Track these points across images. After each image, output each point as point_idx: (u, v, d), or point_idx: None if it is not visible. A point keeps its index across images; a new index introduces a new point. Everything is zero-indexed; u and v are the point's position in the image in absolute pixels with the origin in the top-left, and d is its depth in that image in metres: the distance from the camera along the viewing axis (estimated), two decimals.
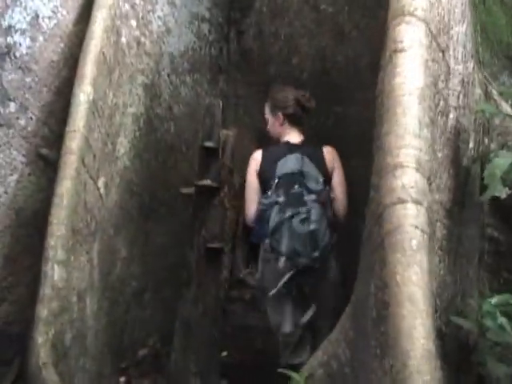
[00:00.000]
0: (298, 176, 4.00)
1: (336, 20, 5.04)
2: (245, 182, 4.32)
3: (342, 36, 5.02)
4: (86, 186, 4.04)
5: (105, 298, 4.43)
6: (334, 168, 4.21)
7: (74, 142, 3.93)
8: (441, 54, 3.08)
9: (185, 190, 4.56)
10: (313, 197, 3.95)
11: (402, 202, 2.46)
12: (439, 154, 3.04)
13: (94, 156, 4.14)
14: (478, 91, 3.89)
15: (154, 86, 5.00)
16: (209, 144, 4.31)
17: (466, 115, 3.64)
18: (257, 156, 4.21)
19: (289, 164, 4.04)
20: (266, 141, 4.55)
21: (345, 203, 4.16)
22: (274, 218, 3.86)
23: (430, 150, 2.74)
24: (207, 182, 4.30)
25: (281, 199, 3.92)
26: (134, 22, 4.76)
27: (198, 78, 5.40)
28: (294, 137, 4.29)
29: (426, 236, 2.43)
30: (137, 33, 4.80)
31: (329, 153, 4.25)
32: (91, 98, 4.09)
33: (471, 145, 3.72)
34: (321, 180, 4.07)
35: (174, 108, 5.20)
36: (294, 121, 4.31)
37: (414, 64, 2.80)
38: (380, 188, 2.59)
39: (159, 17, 5.06)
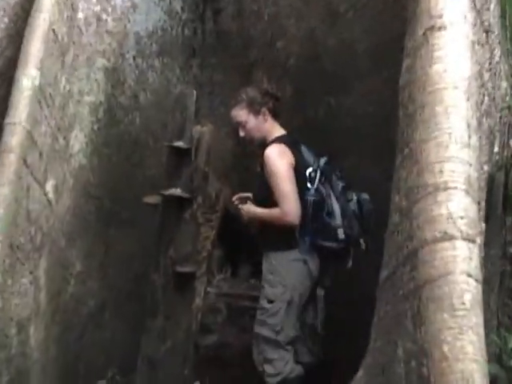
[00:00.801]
0: (329, 164, 3.95)
1: None
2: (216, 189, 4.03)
3: (336, 17, 4.55)
4: (29, 192, 3.53)
5: (54, 323, 3.95)
6: None
7: (13, 138, 3.43)
8: (485, 36, 2.40)
9: (149, 200, 3.89)
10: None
11: (450, 238, 1.78)
12: (485, 168, 2.37)
13: (41, 154, 3.66)
14: (504, 84, 3.30)
15: (116, 70, 4.58)
16: (179, 144, 3.68)
17: (492, 113, 3.02)
18: (285, 149, 3.90)
19: (310, 154, 3.94)
20: None
21: None
22: (335, 205, 3.83)
23: (478, 163, 2.05)
24: (176, 190, 3.78)
25: (340, 185, 3.89)
26: None
27: (168, 63, 5.00)
28: (282, 130, 4.07)
29: (480, 286, 1.76)
30: (97, 8, 4.34)
31: None
32: (37, 83, 3.62)
33: (496, 148, 3.18)
34: None
35: (139, 96, 4.79)
36: (275, 114, 4.08)
37: (458, 46, 2.10)
38: (413, 215, 1.91)
39: None
